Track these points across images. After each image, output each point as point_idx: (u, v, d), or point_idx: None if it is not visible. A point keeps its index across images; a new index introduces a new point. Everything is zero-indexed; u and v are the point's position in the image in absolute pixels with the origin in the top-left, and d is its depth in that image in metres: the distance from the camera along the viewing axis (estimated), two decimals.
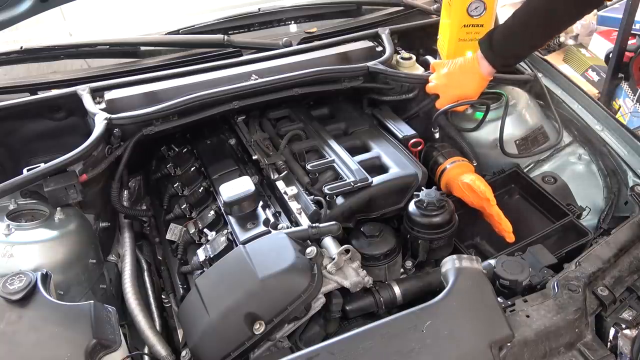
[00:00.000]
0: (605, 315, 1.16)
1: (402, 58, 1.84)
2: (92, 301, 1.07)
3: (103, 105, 1.58)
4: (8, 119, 1.60)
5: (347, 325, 1.24)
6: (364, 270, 1.20)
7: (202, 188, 1.56)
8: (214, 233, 1.43)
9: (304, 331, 1.20)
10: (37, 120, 1.64)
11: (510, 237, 1.38)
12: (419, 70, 1.82)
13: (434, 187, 1.36)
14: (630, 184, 1.51)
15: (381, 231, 1.34)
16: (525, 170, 1.69)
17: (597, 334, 1.14)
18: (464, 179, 1.46)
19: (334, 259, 1.16)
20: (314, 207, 1.34)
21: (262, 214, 1.37)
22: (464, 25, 1.73)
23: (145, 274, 1.54)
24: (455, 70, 1.62)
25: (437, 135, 1.68)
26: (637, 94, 3.14)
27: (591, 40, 3.93)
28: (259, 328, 1.07)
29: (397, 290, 1.25)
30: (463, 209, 1.46)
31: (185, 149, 1.74)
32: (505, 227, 1.38)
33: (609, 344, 1.13)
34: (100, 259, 1.41)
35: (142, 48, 1.93)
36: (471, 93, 1.60)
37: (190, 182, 1.62)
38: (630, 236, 1.29)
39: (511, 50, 1.54)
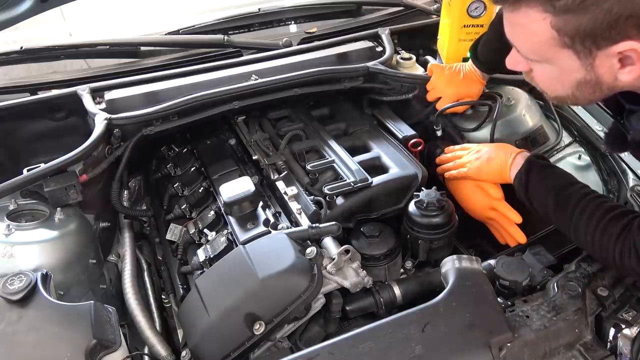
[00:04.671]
0: (605, 315, 1.15)
1: (402, 58, 1.84)
2: (92, 301, 1.07)
3: (103, 106, 1.58)
4: (8, 119, 1.60)
5: (347, 325, 1.24)
6: (364, 271, 1.20)
7: (202, 188, 1.56)
8: (214, 233, 1.43)
9: (304, 331, 1.20)
10: (37, 120, 1.64)
11: (522, 239, 1.39)
12: (419, 70, 1.82)
13: (434, 188, 1.36)
14: (631, 184, 1.51)
15: (381, 231, 1.34)
16: None
17: (597, 334, 1.14)
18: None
19: (334, 259, 1.16)
20: (314, 208, 1.34)
21: (262, 214, 1.37)
22: (464, 25, 1.73)
23: (145, 274, 1.53)
24: (454, 75, 1.65)
25: (439, 133, 1.69)
26: None
27: None
28: (259, 328, 1.07)
29: (397, 290, 1.25)
30: (463, 209, 1.46)
31: (185, 149, 1.73)
32: (517, 237, 1.37)
33: (608, 344, 1.13)
34: (100, 259, 1.41)
35: (142, 48, 1.93)
36: (471, 96, 1.64)
37: (190, 182, 1.62)
38: None
39: (492, 57, 1.59)
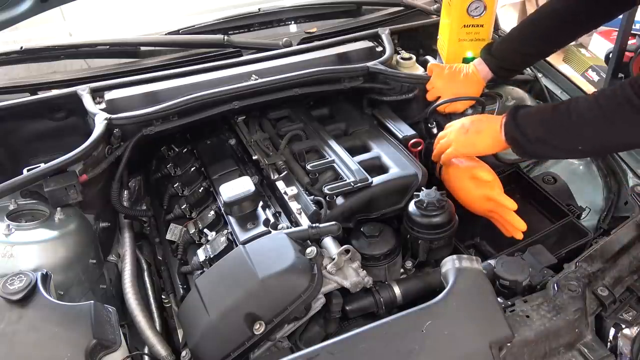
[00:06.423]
0: (605, 315, 1.16)
1: (402, 58, 1.84)
2: (92, 301, 1.07)
3: (103, 106, 1.58)
4: (8, 119, 1.60)
5: (347, 325, 1.24)
6: (364, 271, 1.20)
7: (202, 188, 1.56)
8: (214, 233, 1.43)
9: (304, 331, 1.20)
10: (37, 120, 1.64)
11: (519, 235, 1.37)
12: (419, 70, 1.82)
13: (434, 188, 1.36)
14: (630, 184, 1.51)
15: (381, 231, 1.34)
16: (525, 170, 1.69)
17: (597, 334, 1.14)
18: (460, 165, 1.46)
19: (334, 259, 1.16)
20: (314, 207, 1.34)
21: (262, 214, 1.37)
22: (464, 25, 1.73)
23: (145, 274, 1.53)
24: (454, 75, 1.65)
25: (434, 131, 1.69)
26: None
27: (591, 40, 3.93)
28: (259, 328, 1.07)
29: (397, 290, 1.25)
30: (463, 209, 1.46)
31: (185, 149, 1.74)
32: (516, 224, 1.36)
33: (609, 344, 1.13)
34: (100, 259, 1.41)
35: (142, 48, 1.93)
36: (470, 95, 1.65)
37: (190, 182, 1.62)
38: (630, 236, 1.30)
39: (511, 57, 1.60)
